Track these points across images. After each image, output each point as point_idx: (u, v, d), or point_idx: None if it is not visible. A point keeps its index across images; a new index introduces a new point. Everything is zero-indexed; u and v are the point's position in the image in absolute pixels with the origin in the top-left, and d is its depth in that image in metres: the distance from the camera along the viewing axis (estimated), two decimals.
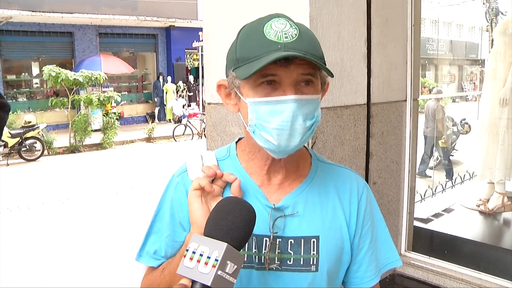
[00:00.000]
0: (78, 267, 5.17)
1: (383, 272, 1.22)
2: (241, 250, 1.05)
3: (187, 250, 0.90)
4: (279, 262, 1.10)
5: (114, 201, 8.06)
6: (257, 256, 1.10)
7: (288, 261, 1.10)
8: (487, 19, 7.06)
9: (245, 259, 1.08)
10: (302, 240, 1.11)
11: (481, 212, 3.92)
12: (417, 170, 6.61)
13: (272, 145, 1.04)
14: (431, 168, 7.26)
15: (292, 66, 1.00)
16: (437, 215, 3.73)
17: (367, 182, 2.34)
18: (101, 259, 5.40)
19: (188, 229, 1.12)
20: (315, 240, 1.11)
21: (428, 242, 3.18)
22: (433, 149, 7.07)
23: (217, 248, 0.88)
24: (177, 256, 1.10)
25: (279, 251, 1.09)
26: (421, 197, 4.39)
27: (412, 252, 2.61)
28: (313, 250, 1.11)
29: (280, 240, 1.10)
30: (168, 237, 1.18)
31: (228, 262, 0.87)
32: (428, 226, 3.42)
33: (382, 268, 1.22)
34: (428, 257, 2.70)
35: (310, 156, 1.23)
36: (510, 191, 4.24)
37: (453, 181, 5.28)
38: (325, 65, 1.04)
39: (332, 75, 1.03)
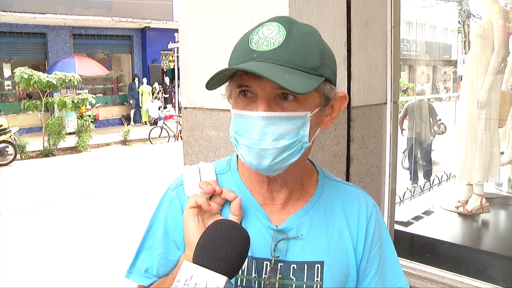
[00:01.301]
0: (51, 274, 5.05)
1: None
2: (241, 274, 1.00)
3: (178, 281, 0.82)
4: None
5: (89, 206, 7.92)
6: (256, 281, 1.02)
7: None
8: (459, 21, 7.18)
9: (244, 284, 1.02)
10: (306, 265, 1.03)
11: (460, 214, 3.94)
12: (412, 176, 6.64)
13: (247, 162, 0.97)
14: (407, 169, 7.33)
15: (265, 78, 0.89)
16: (417, 218, 3.72)
17: None
18: (76, 265, 5.28)
19: (182, 248, 1.04)
20: (319, 265, 1.03)
21: (409, 246, 3.17)
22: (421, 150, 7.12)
23: (216, 283, 0.81)
24: (170, 277, 1.03)
25: (280, 276, 1.02)
26: (400, 199, 4.39)
27: None
28: (317, 277, 1.03)
29: (282, 264, 1.02)
30: (160, 255, 1.09)
31: None
32: (409, 229, 3.42)
33: None
34: (409, 261, 2.69)
35: (317, 173, 1.14)
36: (488, 193, 4.28)
37: (431, 182, 5.31)
38: (324, 76, 0.95)
39: (298, 93, 0.88)
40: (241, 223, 1.02)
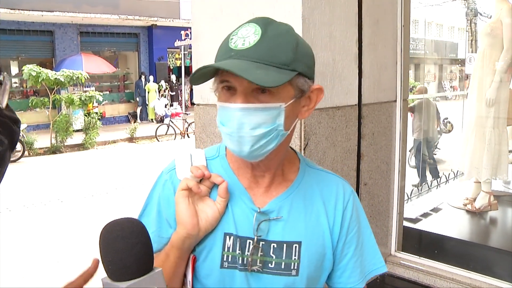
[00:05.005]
0: (59, 270, 5.10)
1: (368, 278, 1.23)
2: (226, 250, 1.11)
3: None
4: (261, 265, 1.11)
5: (97, 202, 7.97)
6: (240, 257, 1.11)
7: (269, 264, 1.12)
8: (466, 20, 7.18)
9: (230, 260, 1.11)
10: (285, 245, 1.13)
11: (468, 211, 3.95)
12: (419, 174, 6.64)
13: (230, 148, 1.07)
14: (414, 167, 7.33)
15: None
16: (425, 215, 3.74)
17: (358, 183, 2.33)
18: (85, 262, 5.33)
19: (174, 227, 1.13)
20: (297, 245, 1.13)
21: (418, 242, 3.19)
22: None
23: (147, 285, 0.87)
24: (162, 253, 1.12)
25: (261, 253, 1.12)
26: (408, 196, 4.41)
27: (402, 252, 2.61)
28: (295, 255, 1.13)
29: (264, 243, 1.12)
30: (154, 232, 1.18)
31: None
32: (417, 226, 3.44)
33: (368, 274, 1.23)
34: (418, 257, 2.71)
35: (299, 161, 1.23)
36: (496, 190, 4.29)
37: (439, 180, 5.32)
38: (297, 70, 1.02)
39: (266, 86, 0.97)
40: (227, 204, 1.12)
